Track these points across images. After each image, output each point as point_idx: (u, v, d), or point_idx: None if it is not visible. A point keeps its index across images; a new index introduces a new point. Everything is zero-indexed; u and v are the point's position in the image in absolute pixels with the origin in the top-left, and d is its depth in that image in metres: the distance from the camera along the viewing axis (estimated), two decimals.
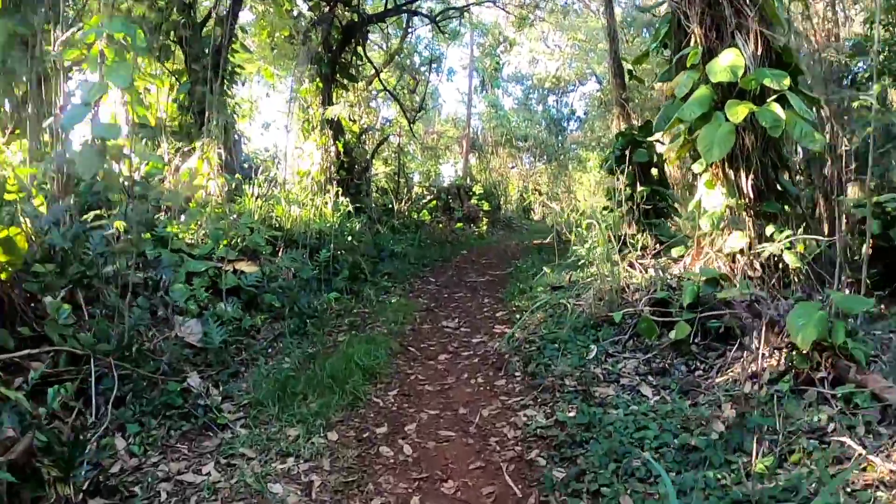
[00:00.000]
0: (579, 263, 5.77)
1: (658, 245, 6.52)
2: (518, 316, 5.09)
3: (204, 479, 2.82)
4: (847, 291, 3.88)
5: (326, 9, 10.57)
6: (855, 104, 8.54)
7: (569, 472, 2.57)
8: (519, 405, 3.39)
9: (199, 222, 6.40)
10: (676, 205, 8.72)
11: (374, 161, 12.18)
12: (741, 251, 4.99)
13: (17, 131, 6.50)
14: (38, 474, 2.56)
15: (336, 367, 3.83)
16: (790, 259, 4.85)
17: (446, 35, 13.92)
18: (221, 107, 8.98)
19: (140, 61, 10.51)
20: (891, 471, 2.23)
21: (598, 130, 18.07)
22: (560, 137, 20.35)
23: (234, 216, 7.01)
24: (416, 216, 11.77)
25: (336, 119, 10.56)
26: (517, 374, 3.85)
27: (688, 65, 5.61)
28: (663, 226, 7.78)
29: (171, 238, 5.63)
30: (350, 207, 7.63)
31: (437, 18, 12.72)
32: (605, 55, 18.08)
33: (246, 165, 10.22)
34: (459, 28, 17.52)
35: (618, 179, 8.51)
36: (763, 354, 3.30)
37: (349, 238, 7.00)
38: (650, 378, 3.53)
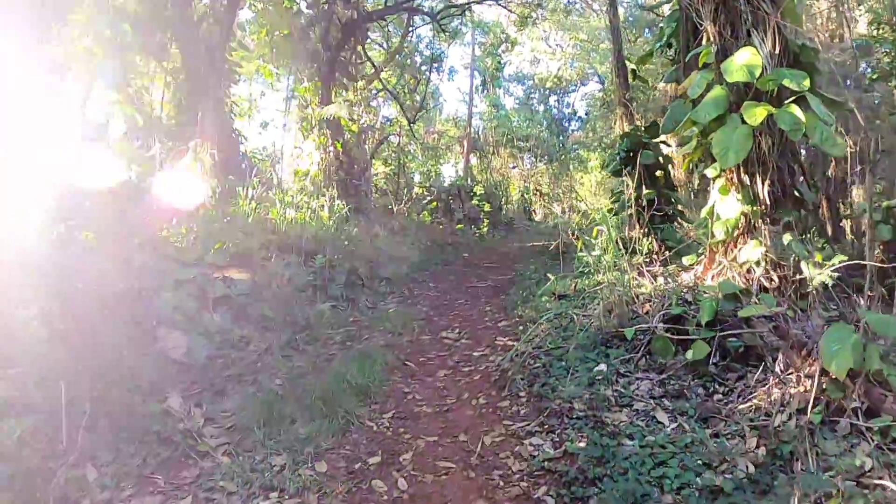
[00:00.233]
0: (586, 271, 5.46)
1: (665, 250, 6.21)
2: (521, 327, 4.78)
3: None
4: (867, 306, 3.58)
5: (325, 6, 10.23)
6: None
7: None
8: (524, 431, 3.08)
9: (190, 226, 6.10)
10: (681, 208, 8.42)
11: (373, 161, 11.85)
12: (757, 262, 4.67)
13: None
14: None
15: (327, 387, 3.53)
16: (808, 271, 4.54)
17: (447, 33, 13.57)
18: (218, 105, 8.67)
19: (137, 59, 10.22)
20: None
21: (600, 131, 17.73)
22: (562, 138, 19.99)
23: (228, 219, 6.71)
24: (416, 217, 11.45)
25: (335, 119, 10.24)
26: (522, 394, 3.55)
27: (700, 64, 5.29)
28: (670, 230, 7.47)
29: (160, 243, 5.33)
30: (346, 209, 7.31)
31: (438, 16, 12.38)
32: (608, 55, 17.75)
33: (243, 166, 9.91)
34: (460, 27, 17.18)
35: (623, 181, 8.21)
36: (790, 380, 3.00)
37: (346, 242, 6.69)
38: (665, 402, 3.22)
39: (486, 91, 20.11)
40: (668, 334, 3.55)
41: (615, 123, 13.32)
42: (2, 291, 3.65)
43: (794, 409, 2.82)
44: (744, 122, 4.51)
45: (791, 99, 4.47)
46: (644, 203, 7.11)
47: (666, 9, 10.92)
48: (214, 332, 4.43)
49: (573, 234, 6.58)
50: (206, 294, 4.85)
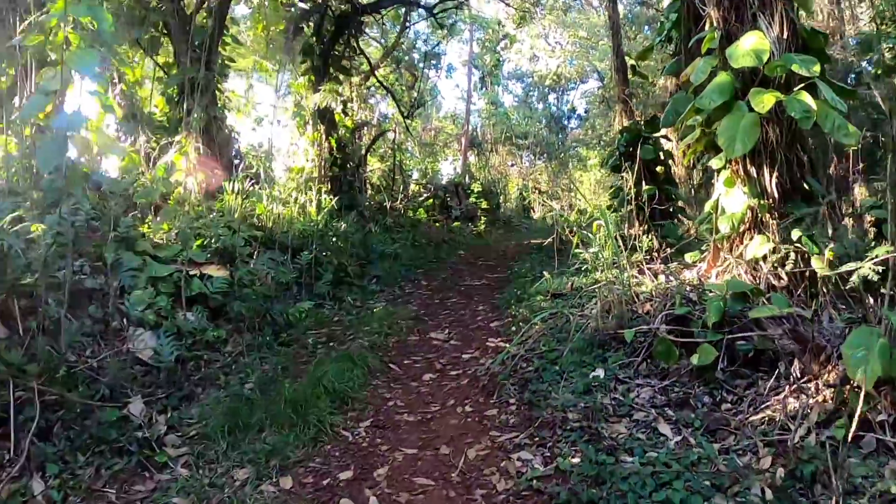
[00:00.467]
0: (583, 268, 5.13)
1: (666, 248, 5.88)
2: (514, 328, 4.45)
3: None
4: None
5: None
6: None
7: None
8: (512, 444, 2.75)
9: (173, 221, 5.79)
10: (681, 204, 8.08)
11: (369, 157, 11.52)
12: (764, 258, 4.33)
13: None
14: None
15: (300, 392, 3.20)
16: (818, 267, 4.21)
17: (444, 28, 13.23)
18: (210, 99, 8.34)
19: (130, 53, 9.89)
20: None
21: (600, 128, 17.38)
22: (561, 136, 19.63)
23: (214, 214, 6.38)
24: (412, 214, 11.11)
25: (329, 113, 9.91)
26: (511, 401, 3.22)
27: (703, 51, 4.96)
28: (671, 227, 7.14)
29: (137, 239, 5.00)
30: (333, 204, 6.97)
31: (435, 10, 12.03)
32: (607, 52, 17.39)
33: (236, 161, 9.59)
34: (458, 23, 16.84)
35: (622, 177, 7.87)
36: (808, 389, 2.66)
37: (334, 238, 6.35)
38: (668, 411, 2.89)
39: (484, 88, 19.75)
40: (671, 337, 3.21)
41: (615, 120, 12.98)
42: None
43: (814, 423, 2.48)
44: (751, 109, 4.18)
45: (800, 86, 4.14)
46: (644, 199, 6.78)
47: (665, 3, 10.58)
48: (188, 332, 4.11)
49: (570, 231, 6.25)
50: (182, 292, 4.53)
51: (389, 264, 7.07)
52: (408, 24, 13.92)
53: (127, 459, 2.90)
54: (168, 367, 3.70)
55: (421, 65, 14.95)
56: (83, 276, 4.27)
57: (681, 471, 2.30)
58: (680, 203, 7.87)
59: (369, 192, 10.97)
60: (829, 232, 4.59)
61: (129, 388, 3.54)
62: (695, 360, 3.03)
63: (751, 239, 4.46)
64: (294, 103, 10.48)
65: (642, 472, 2.29)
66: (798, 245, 4.22)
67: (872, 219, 7.54)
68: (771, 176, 4.40)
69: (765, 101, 4.02)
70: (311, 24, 10.28)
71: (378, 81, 11.74)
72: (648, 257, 5.38)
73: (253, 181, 6.81)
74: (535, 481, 2.40)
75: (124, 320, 4.20)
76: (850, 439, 2.37)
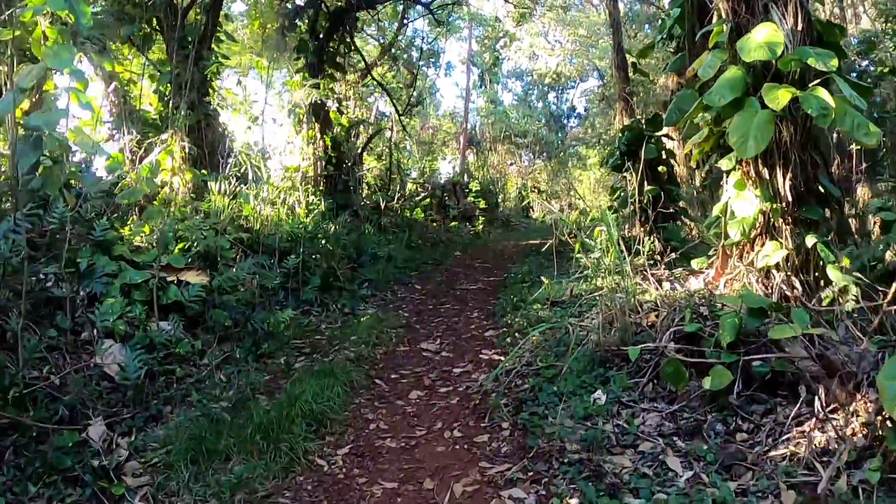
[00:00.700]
0: (583, 273, 4.81)
1: (670, 251, 5.55)
2: (509, 339, 4.13)
3: None
4: None
5: None
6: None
7: None
8: (504, 479, 2.44)
9: (155, 223, 5.47)
10: (683, 205, 7.75)
11: (365, 156, 11.18)
12: (777, 266, 4.01)
13: None
14: None
15: (274, 414, 2.89)
16: (835, 276, 3.88)
17: (443, 24, 12.85)
18: (199, 96, 8.01)
19: (126, 52, 9.55)
20: None
21: (599, 127, 17.01)
22: (560, 134, 19.26)
23: (200, 216, 6.06)
24: (408, 214, 10.78)
25: (323, 111, 9.57)
26: (504, 425, 2.90)
27: (710, 44, 4.62)
28: (674, 229, 6.81)
29: (114, 243, 4.68)
30: (323, 205, 6.65)
31: (434, 7, 11.66)
32: (607, 51, 17.01)
33: (230, 161, 9.27)
34: (457, 21, 16.46)
35: (624, 177, 7.54)
36: (835, 420, 2.34)
37: (324, 241, 6.03)
38: (677, 441, 2.57)
39: (483, 86, 19.37)
40: (680, 356, 2.89)
41: (615, 118, 12.64)
42: None
43: (844, 463, 2.16)
44: (763, 106, 3.85)
45: (816, 81, 3.80)
46: (646, 200, 6.45)
47: (667, 1, 10.19)
48: (160, 343, 3.79)
49: (570, 234, 5.94)
50: (158, 300, 4.22)
51: (382, 267, 6.75)
52: (406, 21, 13.56)
53: (81, 491, 2.59)
54: (137, 383, 3.39)
55: (420, 63, 14.59)
56: (48, 284, 3.96)
57: None
58: (682, 204, 7.55)
59: (365, 191, 10.63)
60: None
61: (93, 407, 3.23)
62: (707, 383, 2.71)
63: (762, 245, 4.14)
64: (289, 101, 10.14)
65: None
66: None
67: (878, 220, 7.16)
68: (784, 178, 4.07)
69: (779, 97, 3.69)
70: (307, 19, 9.93)
71: (374, 79, 11.39)
72: (652, 262, 5.06)
73: (240, 180, 6.47)
74: None
75: (94, 331, 3.89)
76: (885, 483, 2.05)
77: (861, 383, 2.39)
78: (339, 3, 10.02)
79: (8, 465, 2.71)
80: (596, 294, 4.57)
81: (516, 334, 4.18)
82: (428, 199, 12.21)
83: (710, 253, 4.72)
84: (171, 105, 7.90)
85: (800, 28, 4.11)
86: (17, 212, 3.48)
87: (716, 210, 4.32)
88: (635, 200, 6.69)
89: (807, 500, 2.01)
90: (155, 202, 6.38)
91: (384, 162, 11.81)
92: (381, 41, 14.05)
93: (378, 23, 13.99)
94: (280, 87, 13.97)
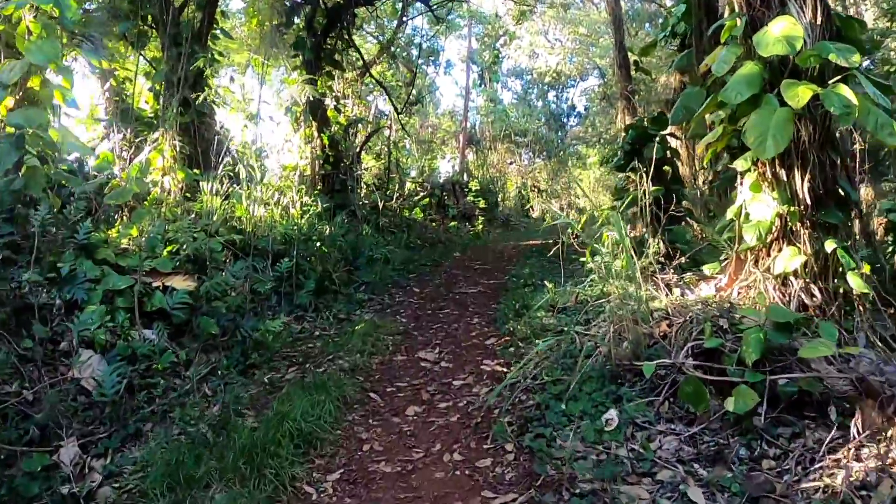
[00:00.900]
0: (589, 278, 4.56)
1: (679, 255, 5.30)
2: (513, 349, 3.88)
3: None
4: None
5: None
6: None
7: None
8: None
9: (144, 225, 5.21)
10: (687, 206, 7.50)
11: (363, 155, 10.90)
12: (795, 273, 3.76)
13: None
14: None
15: (259, 435, 2.63)
16: (855, 284, 3.64)
17: (441, 21, 12.56)
18: (196, 93, 7.73)
19: (122, 50, 9.27)
20: None
21: (600, 126, 16.74)
22: (560, 133, 18.97)
23: (191, 217, 5.80)
24: (407, 214, 10.51)
25: (321, 109, 9.30)
26: (509, 448, 2.65)
27: (722, 39, 4.36)
28: (680, 231, 6.56)
29: (99, 246, 4.42)
30: (320, 205, 6.38)
31: (433, 4, 11.37)
32: (608, 49, 16.75)
33: (227, 160, 9.00)
34: (457, 19, 16.17)
35: (627, 177, 7.28)
36: (871, 447, 2.09)
37: (318, 243, 5.76)
38: (698, 469, 2.32)
39: (483, 85, 19.07)
40: (698, 373, 2.64)
41: (616, 117, 12.37)
42: None
43: (887, 498, 1.92)
44: (782, 104, 3.59)
45: (836, 78, 3.55)
46: (650, 200, 6.20)
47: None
48: (143, 354, 3.53)
49: (573, 234, 5.67)
50: (143, 307, 3.96)
51: (380, 269, 6.49)
52: (405, 18, 13.27)
53: None
54: (116, 398, 3.13)
55: (419, 61, 14.30)
56: (26, 290, 3.70)
57: None
58: (685, 205, 7.30)
59: (363, 190, 10.36)
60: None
61: (67, 425, 2.98)
62: (730, 405, 2.46)
63: (779, 250, 3.88)
64: (286, 98, 9.86)
65: None
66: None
67: (884, 221, 6.89)
68: (802, 180, 3.81)
69: (800, 94, 3.44)
70: (304, 16, 9.65)
71: (373, 77, 11.10)
72: (660, 265, 4.81)
73: (233, 180, 6.21)
74: None
75: (73, 341, 3.63)
76: None
77: None
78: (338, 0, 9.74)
79: None
80: (602, 301, 4.32)
81: (519, 343, 3.93)
82: (427, 199, 11.94)
83: (722, 258, 4.47)
84: (163, 103, 7.63)
85: (819, 22, 3.85)
86: None
87: (729, 213, 4.06)
88: (642, 200, 6.42)
89: None
90: (146, 203, 6.12)
91: (383, 161, 11.54)
92: (381, 39, 13.76)
93: (377, 20, 13.71)
94: (279, 85, 13.66)
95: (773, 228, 3.84)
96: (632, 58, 11.03)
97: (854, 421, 2.25)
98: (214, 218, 5.79)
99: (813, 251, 3.77)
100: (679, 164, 7.64)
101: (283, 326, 4.21)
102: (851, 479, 2.07)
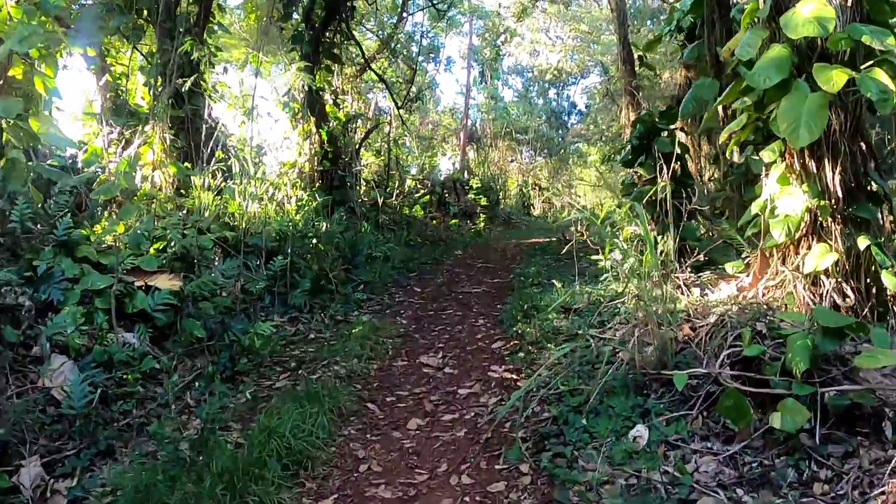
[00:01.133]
0: (602, 277, 4.25)
1: (696, 252, 4.98)
2: (522, 354, 3.56)
3: None
4: None
5: None
6: None
7: None
8: None
9: (132, 221, 4.89)
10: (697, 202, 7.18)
11: (363, 152, 10.56)
12: (826, 271, 3.44)
13: None
14: None
15: (243, 454, 2.31)
16: (890, 283, 3.33)
17: (443, 14, 12.21)
18: (190, 87, 7.39)
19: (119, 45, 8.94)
20: None
21: (602, 123, 16.41)
22: (561, 131, 18.63)
23: (183, 212, 5.47)
24: (407, 211, 10.17)
25: (319, 104, 8.97)
26: (524, 468, 2.33)
27: (743, 24, 4.06)
28: (691, 228, 6.24)
29: (80, 243, 4.09)
30: (317, 201, 6.05)
31: (434, 1, 11.02)
32: (609, 46, 16.42)
33: (224, 156, 8.67)
34: (457, 16, 15.82)
35: (637, 172, 6.97)
36: None
37: (314, 240, 5.43)
38: (742, 494, 2.01)
39: (483, 82, 18.73)
40: (737, 384, 2.32)
41: (620, 113, 12.05)
42: None
43: None
44: (813, 89, 3.28)
45: (869, 63, 3.24)
46: (660, 196, 5.89)
47: None
48: (120, 360, 3.21)
49: (580, 232, 5.36)
50: (123, 307, 3.63)
51: (379, 267, 6.16)
52: (405, 14, 12.93)
53: None
54: (88, 409, 2.81)
55: (419, 58, 13.95)
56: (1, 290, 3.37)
57: None
58: (693, 198, 6.99)
59: (363, 187, 10.03)
60: None
61: (33, 440, 2.66)
62: (776, 421, 2.14)
63: (808, 248, 3.57)
64: (283, 92, 9.52)
65: None
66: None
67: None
68: (833, 171, 3.50)
69: (834, 78, 3.12)
70: (302, 8, 9.30)
71: (373, 71, 10.76)
72: (677, 264, 4.49)
73: (227, 175, 5.88)
74: None
75: (47, 345, 3.30)
76: None
77: None
78: None
79: None
80: (617, 301, 4.00)
81: (529, 347, 3.61)
82: (427, 196, 11.61)
83: (744, 255, 4.16)
84: (153, 95, 7.29)
85: (849, 3, 3.53)
86: None
87: (754, 207, 3.74)
88: (653, 196, 6.12)
89: None
90: (136, 198, 5.79)
91: (383, 158, 11.21)
92: (381, 35, 13.41)
93: (377, 16, 13.36)
94: (277, 80, 13.31)
95: (803, 224, 3.54)
96: (636, 53, 10.71)
97: None
98: (206, 214, 5.46)
99: (844, 248, 3.47)
100: (690, 158, 7.33)
101: (274, 329, 3.88)
102: None
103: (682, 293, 3.95)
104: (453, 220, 11.43)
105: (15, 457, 2.53)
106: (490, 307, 5.08)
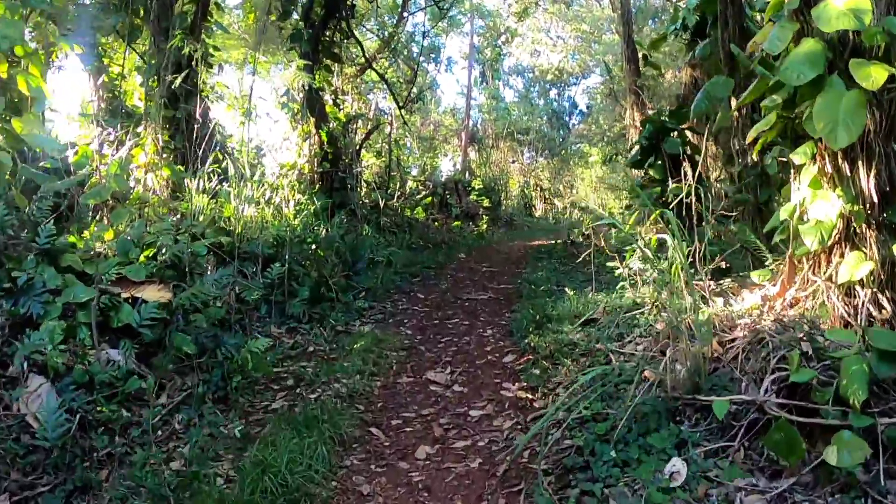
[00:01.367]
0: (619, 286, 3.99)
1: (719, 259, 4.72)
2: (537, 370, 3.28)
3: None
4: None
5: None
6: None
7: None
8: None
9: (123, 226, 4.62)
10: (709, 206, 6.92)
11: (364, 153, 10.28)
12: (861, 282, 3.18)
13: None
14: None
15: (233, 494, 2.04)
16: None
17: (443, 11, 11.92)
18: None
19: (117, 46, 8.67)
20: None
21: (604, 123, 16.15)
22: (562, 132, 18.36)
23: (176, 216, 5.19)
24: (409, 213, 9.90)
25: (318, 104, 8.69)
26: None
27: (767, 17, 3.80)
28: (701, 233, 5.99)
29: (64, 251, 3.81)
30: (316, 204, 5.78)
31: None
32: (611, 46, 16.16)
33: (221, 157, 8.40)
34: (459, 16, 15.55)
35: (647, 173, 6.72)
36: None
37: (314, 246, 5.16)
38: None
39: (484, 83, 18.44)
40: (784, 413, 2.05)
41: (624, 113, 11.80)
42: None
43: None
44: (849, 86, 3.02)
45: None
46: (671, 198, 5.63)
47: None
48: (102, 382, 2.93)
49: (587, 233, 5.10)
50: (108, 323, 3.36)
51: (381, 273, 5.89)
52: (406, 14, 12.65)
53: None
54: (66, 437, 2.54)
55: (420, 59, 13.67)
56: None
57: None
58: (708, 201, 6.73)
59: (363, 189, 9.75)
60: None
61: (4, 473, 2.38)
62: (832, 457, 1.87)
63: (841, 255, 3.31)
64: (281, 91, 9.24)
65: None
66: None
67: None
68: (868, 174, 3.23)
69: (874, 74, 2.85)
70: (300, 8, 9.03)
71: (374, 70, 10.48)
72: (693, 270, 4.23)
73: (222, 178, 5.60)
74: None
75: (23, 365, 3.02)
76: None
77: None
78: None
79: None
80: (636, 311, 3.74)
81: (544, 362, 3.34)
82: (429, 198, 11.33)
83: (769, 263, 3.89)
84: (146, 92, 7.01)
85: None
86: None
87: (783, 213, 3.47)
88: (658, 199, 5.88)
89: None
90: (129, 202, 5.51)
91: (384, 159, 10.93)
92: (382, 35, 13.13)
93: (377, 16, 13.08)
94: (277, 81, 13.04)
95: (835, 230, 3.27)
96: (640, 52, 10.46)
97: None
98: (201, 218, 5.19)
99: (880, 256, 3.21)
100: (700, 159, 7.09)
101: (271, 344, 3.61)
102: None
103: (709, 302, 3.68)
104: (456, 222, 11.16)
105: None
106: (498, 315, 4.81)
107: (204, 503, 2.00)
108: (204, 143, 6.40)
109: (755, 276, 3.71)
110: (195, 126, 7.15)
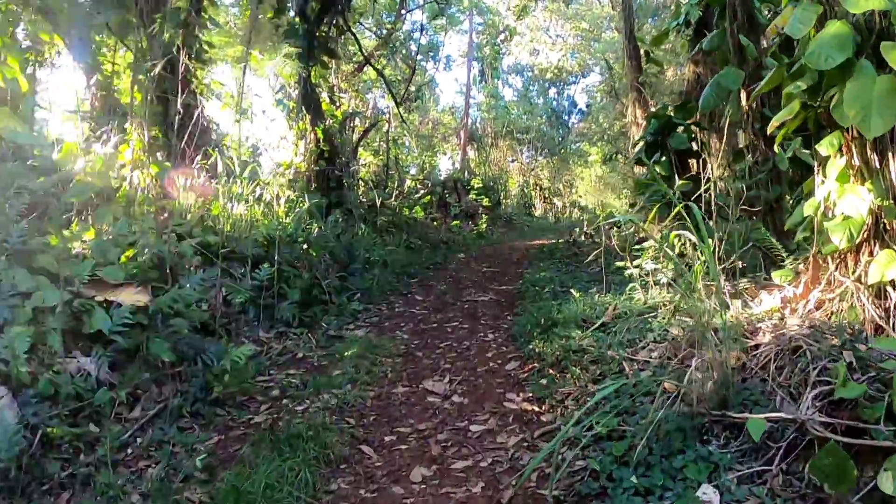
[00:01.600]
0: (629, 287, 3.72)
1: (727, 257, 4.46)
2: (544, 380, 3.01)
3: None
4: None
5: None
6: None
7: None
8: None
9: (101, 225, 4.34)
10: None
11: (361, 151, 10.01)
12: (892, 282, 2.91)
13: None
14: None
15: None
16: None
17: (443, 7, 11.64)
18: (182, 84, 6.82)
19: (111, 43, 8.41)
20: None
21: (604, 122, 15.88)
22: (561, 131, 18.10)
23: (164, 216, 4.92)
24: (407, 213, 9.63)
25: (314, 101, 8.42)
26: None
27: (783, 2, 3.54)
28: (709, 230, 5.73)
29: (36, 253, 3.53)
30: (309, 203, 5.51)
31: None
32: (611, 44, 15.89)
33: (215, 156, 8.13)
34: (457, 14, 15.27)
35: (654, 169, 6.44)
36: None
37: (305, 245, 4.88)
38: None
39: (484, 81, 18.18)
40: (831, 433, 1.78)
41: (626, 110, 11.53)
42: None
43: None
44: (880, 71, 2.77)
45: None
46: (677, 196, 5.38)
47: None
48: (70, 393, 2.66)
49: (593, 233, 4.84)
50: (81, 328, 3.09)
51: (377, 274, 5.62)
52: (403, 11, 12.38)
53: None
54: (26, 455, 2.26)
55: (419, 57, 13.39)
56: None
57: None
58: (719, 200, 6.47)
59: (361, 188, 9.48)
60: None
61: None
62: (887, 485, 1.61)
63: (870, 254, 3.04)
64: (277, 88, 8.97)
65: None
66: None
67: None
68: None
69: None
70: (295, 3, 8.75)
71: (372, 66, 10.20)
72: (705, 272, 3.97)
73: (210, 174, 5.33)
74: None
75: None
76: None
77: None
78: None
79: None
80: (648, 315, 3.47)
81: (550, 371, 3.07)
82: (428, 197, 11.06)
83: (788, 262, 3.63)
84: (132, 88, 6.73)
85: None
86: None
87: (807, 208, 3.21)
88: (663, 196, 5.58)
89: None
90: (117, 199, 5.24)
91: (381, 157, 10.65)
92: (380, 34, 12.86)
93: (375, 15, 12.80)
94: (273, 79, 12.76)
95: (865, 227, 3.01)
96: (642, 48, 10.19)
97: None
98: (188, 217, 4.92)
99: None
100: (706, 155, 6.83)
101: (256, 351, 3.33)
102: None
103: (733, 309, 3.41)
104: (455, 222, 10.89)
105: None
106: (499, 318, 4.54)
107: None
108: (194, 140, 6.13)
109: (776, 276, 3.44)
110: (186, 122, 6.88)
